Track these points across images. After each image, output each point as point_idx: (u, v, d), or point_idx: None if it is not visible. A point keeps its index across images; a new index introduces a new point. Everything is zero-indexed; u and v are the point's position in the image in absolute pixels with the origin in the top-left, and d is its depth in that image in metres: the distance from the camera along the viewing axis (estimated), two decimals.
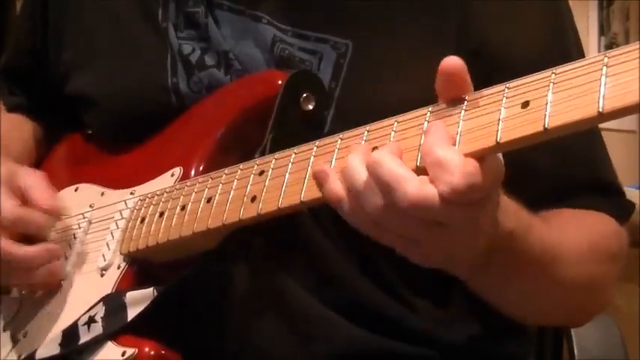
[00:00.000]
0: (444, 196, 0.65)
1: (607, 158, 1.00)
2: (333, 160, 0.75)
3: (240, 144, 0.93)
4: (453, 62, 0.68)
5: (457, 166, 0.64)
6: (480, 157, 0.66)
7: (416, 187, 0.66)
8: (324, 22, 0.95)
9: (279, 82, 0.91)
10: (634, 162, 3.76)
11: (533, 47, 0.94)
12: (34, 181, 1.02)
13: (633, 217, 1.07)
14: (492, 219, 0.72)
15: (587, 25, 4.11)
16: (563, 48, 0.97)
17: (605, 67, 0.60)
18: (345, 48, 0.94)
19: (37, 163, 1.17)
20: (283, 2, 0.96)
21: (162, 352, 0.85)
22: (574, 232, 0.88)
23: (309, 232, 0.92)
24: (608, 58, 0.60)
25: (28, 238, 0.99)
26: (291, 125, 0.91)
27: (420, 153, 0.68)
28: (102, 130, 1.08)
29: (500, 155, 0.68)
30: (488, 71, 0.91)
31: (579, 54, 0.99)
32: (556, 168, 0.94)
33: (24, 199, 1.00)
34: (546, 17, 0.97)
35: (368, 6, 0.95)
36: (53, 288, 1.00)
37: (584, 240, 0.89)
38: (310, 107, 0.91)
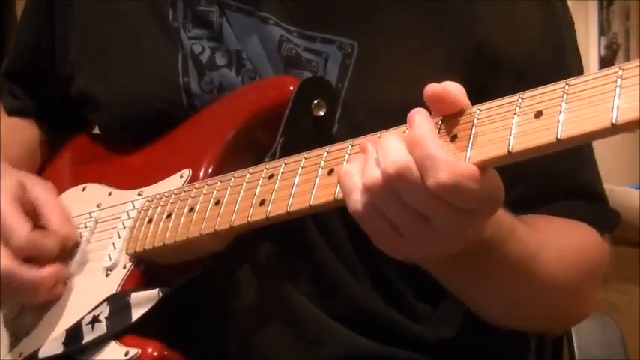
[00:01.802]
0: (431, 188, 0.65)
1: (593, 165, 1.00)
2: (344, 164, 0.76)
3: (250, 148, 0.93)
4: (434, 89, 0.69)
5: (446, 164, 0.65)
6: (490, 166, 0.66)
7: (404, 157, 0.67)
8: (330, 22, 0.95)
9: (291, 87, 0.91)
10: (634, 162, 3.75)
11: (531, 52, 0.94)
12: (46, 197, 1.01)
13: (633, 218, 1.07)
14: (479, 232, 0.73)
15: (587, 25, 4.12)
16: (559, 55, 0.97)
17: (619, 79, 0.60)
18: (351, 49, 0.94)
19: (40, 167, 1.17)
20: (289, 3, 0.96)
21: (165, 352, 0.85)
22: (555, 241, 0.88)
23: (313, 240, 0.92)
24: (623, 70, 0.60)
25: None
26: (302, 131, 0.91)
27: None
28: (111, 130, 1.08)
29: (498, 178, 0.68)
30: (487, 73, 0.91)
31: (575, 59, 1.00)
32: (541, 172, 0.93)
33: (34, 214, 0.99)
34: (545, 23, 0.97)
35: (373, 7, 0.95)
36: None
37: (563, 251, 0.89)
38: (321, 113, 0.91)
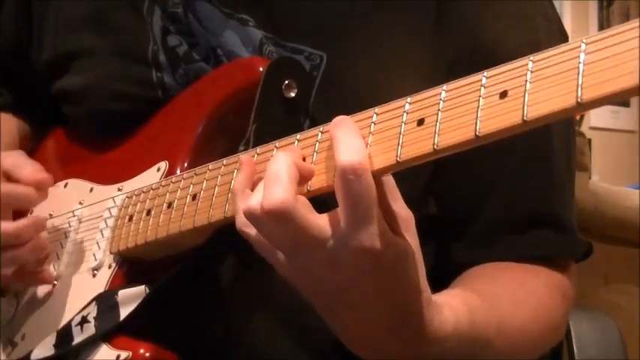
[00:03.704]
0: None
1: (566, 193, 0.97)
2: (315, 153, 0.74)
3: (226, 132, 0.92)
4: None
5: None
6: (458, 149, 0.65)
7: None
8: (300, 32, 0.94)
9: (260, 68, 0.90)
10: (634, 162, 3.76)
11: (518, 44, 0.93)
12: (14, 160, 1.01)
13: (633, 218, 1.05)
14: (402, 282, 0.70)
15: (587, 25, 4.12)
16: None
17: (582, 54, 0.58)
18: (319, 60, 0.93)
19: None
20: (263, 10, 0.96)
21: (158, 353, 0.85)
22: (515, 316, 0.86)
23: None
24: (586, 44, 0.58)
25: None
26: (274, 114, 0.89)
27: None
28: (90, 127, 1.07)
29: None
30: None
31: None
32: (512, 199, 0.93)
33: (9, 180, 1.00)
34: (518, 23, 0.95)
35: (345, 19, 0.94)
36: (47, 288, 1.01)
37: (525, 322, 0.87)
38: (292, 94, 0.90)
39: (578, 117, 4.60)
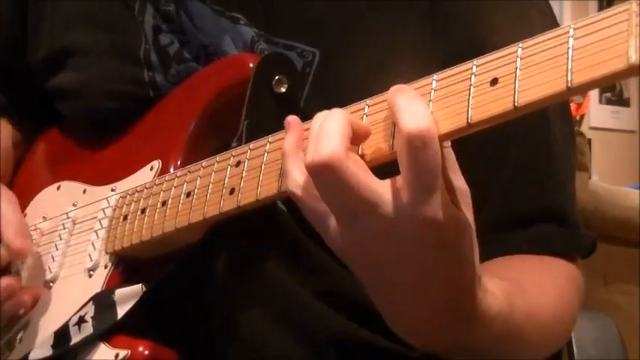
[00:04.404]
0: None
1: (567, 187, 0.97)
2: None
3: (218, 129, 0.92)
4: None
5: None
6: (451, 138, 0.65)
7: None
8: (293, 29, 0.94)
9: (250, 64, 0.90)
10: (634, 162, 3.76)
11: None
12: (5, 210, 1.02)
13: (633, 218, 1.05)
14: (462, 260, 0.68)
15: None
16: None
17: (571, 39, 0.58)
18: (312, 56, 0.92)
19: (15, 165, 1.17)
20: (255, 8, 0.96)
21: (157, 351, 0.85)
22: (542, 295, 0.85)
23: (287, 223, 0.90)
24: (575, 29, 0.59)
25: None
26: (266, 110, 0.89)
27: None
28: (83, 125, 1.07)
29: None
30: None
31: None
32: (513, 193, 0.92)
33: None
34: (511, 26, 0.94)
35: (339, 16, 0.94)
36: (43, 291, 1.00)
37: (552, 303, 0.87)
38: (283, 90, 0.89)
39: (578, 117, 4.60)
